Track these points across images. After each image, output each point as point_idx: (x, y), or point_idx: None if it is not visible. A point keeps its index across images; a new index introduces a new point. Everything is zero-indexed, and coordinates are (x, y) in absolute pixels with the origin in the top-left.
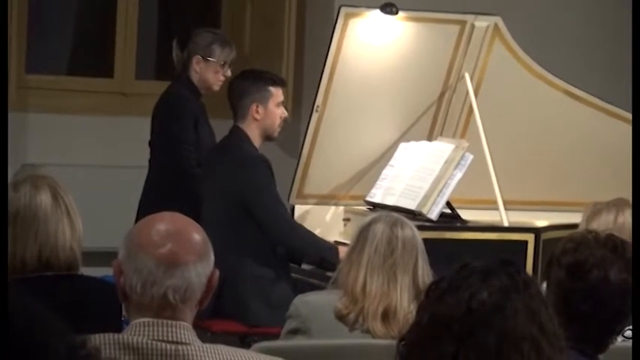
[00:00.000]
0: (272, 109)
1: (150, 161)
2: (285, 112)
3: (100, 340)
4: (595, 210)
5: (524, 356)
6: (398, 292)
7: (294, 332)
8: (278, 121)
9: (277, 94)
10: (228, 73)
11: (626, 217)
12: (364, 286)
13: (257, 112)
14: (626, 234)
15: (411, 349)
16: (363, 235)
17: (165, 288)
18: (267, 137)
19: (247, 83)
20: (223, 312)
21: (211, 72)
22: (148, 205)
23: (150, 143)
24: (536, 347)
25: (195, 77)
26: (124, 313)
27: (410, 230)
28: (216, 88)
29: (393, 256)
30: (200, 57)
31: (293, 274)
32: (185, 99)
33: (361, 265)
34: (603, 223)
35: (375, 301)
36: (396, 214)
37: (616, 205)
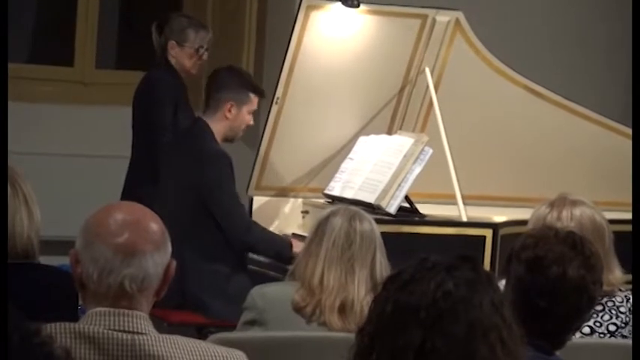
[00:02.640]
0: (244, 114)
1: (132, 146)
2: (252, 120)
3: (55, 329)
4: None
5: (490, 346)
6: (355, 286)
7: (251, 323)
8: (244, 127)
9: (254, 102)
10: (205, 56)
11: (553, 215)
12: (322, 279)
13: (230, 111)
14: None
15: (373, 339)
16: (321, 228)
17: (122, 277)
18: (228, 138)
19: (232, 80)
20: (183, 304)
21: (186, 57)
22: (130, 188)
23: (133, 128)
24: (501, 338)
25: (173, 62)
26: (80, 302)
27: (368, 224)
28: (195, 71)
29: (351, 249)
30: (175, 42)
31: (252, 267)
32: (165, 83)
33: (319, 257)
34: (538, 219)
35: (333, 294)
36: (354, 208)
37: (552, 203)
